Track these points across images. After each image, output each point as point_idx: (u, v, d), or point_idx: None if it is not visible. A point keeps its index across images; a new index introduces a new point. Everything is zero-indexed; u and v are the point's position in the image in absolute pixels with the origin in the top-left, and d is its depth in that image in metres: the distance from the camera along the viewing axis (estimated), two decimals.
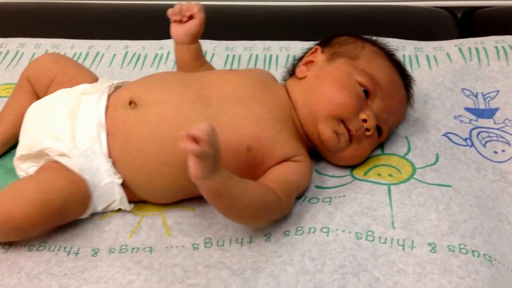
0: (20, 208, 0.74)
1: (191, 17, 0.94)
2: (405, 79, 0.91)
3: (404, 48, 1.15)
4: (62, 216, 0.78)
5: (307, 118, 0.85)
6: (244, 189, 0.74)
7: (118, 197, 0.82)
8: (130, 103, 0.83)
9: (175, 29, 0.96)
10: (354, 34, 0.93)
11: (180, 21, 0.94)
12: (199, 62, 0.99)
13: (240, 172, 0.79)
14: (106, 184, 0.81)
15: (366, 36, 0.94)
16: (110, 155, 0.81)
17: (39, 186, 0.77)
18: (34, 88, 0.94)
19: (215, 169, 0.69)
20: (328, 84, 0.85)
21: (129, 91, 0.85)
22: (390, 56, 0.91)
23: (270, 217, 0.78)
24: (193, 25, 0.94)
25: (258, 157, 0.81)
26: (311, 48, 0.94)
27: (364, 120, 0.83)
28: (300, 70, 0.90)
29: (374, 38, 0.94)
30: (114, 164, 0.81)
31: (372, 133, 0.84)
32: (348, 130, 0.83)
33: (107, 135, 0.81)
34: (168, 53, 1.18)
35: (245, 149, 0.81)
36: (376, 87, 0.84)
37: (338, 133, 0.83)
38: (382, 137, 0.87)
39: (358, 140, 0.84)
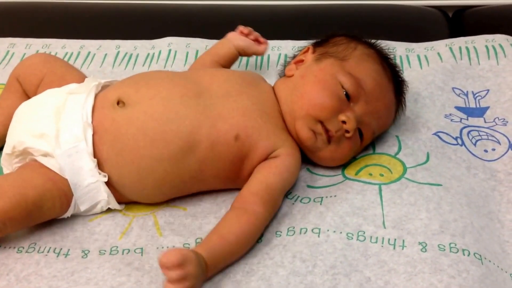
0: None
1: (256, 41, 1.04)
2: (397, 84, 0.90)
3: (395, 49, 1.14)
4: (39, 212, 0.77)
5: (287, 115, 0.86)
6: (228, 249, 0.74)
7: (104, 197, 0.81)
8: (118, 103, 0.83)
9: (236, 33, 1.04)
10: (351, 35, 0.92)
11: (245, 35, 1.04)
12: (226, 65, 1.03)
13: (228, 164, 0.81)
14: (89, 184, 0.80)
15: (365, 39, 0.92)
16: (96, 156, 0.81)
17: (15, 182, 0.78)
18: (24, 88, 0.94)
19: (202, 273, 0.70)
20: (310, 84, 0.85)
21: (116, 90, 0.85)
22: (385, 60, 0.90)
23: (259, 234, 0.78)
24: (252, 45, 1.03)
25: (245, 146, 0.82)
26: (304, 47, 0.94)
27: (344, 122, 0.83)
28: (289, 68, 0.92)
29: (373, 40, 0.93)
30: (102, 165, 0.81)
31: (351, 135, 0.83)
32: (327, 131, 0.83)
33: (94, 135, 0.81)
34: (160, 53, 1.18)
35: (233, 138, 0.81)
36: (360, 90, 0.84)
37: (316, 133, 0.84)
38: (364, 141, 0.87)
39: (337, 141, 0.84)
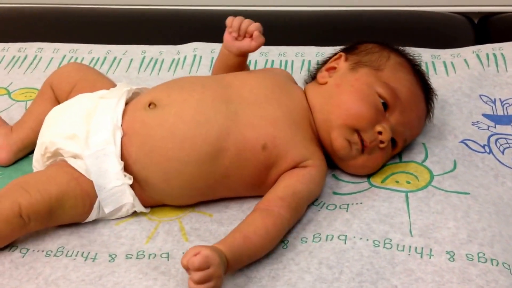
0: (23, 196, 0.77)
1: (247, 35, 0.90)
2: (427, 93, 0.90)
3: (420, 56, 1.13)
4: (61, 209, 0.79)
5: (322, 124, 0.86)
6: (251, 248, 0.74)
7: (129, 200, 0.82)
8: (149, 105, 0.84)
9: (228, 37, 0.92)
10: (381, 42, 0.92)
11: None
12: (241, 69, 0.96)
13: (255, 171, 0.81)
14: (113, 187, 0.81)
15: (393, 46, 0.92)
16: (125, 158, 0.82)
17: (41, 178, 0.80)
18: (56, 94, 0.96)
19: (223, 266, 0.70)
20: (347, 94, 0.85)
21: (148, 94, 0.87)
22: (414, 68, 0.90)
23: (281, 238, 0.78)
24: (248, 46, 0.90)
25: (273, 156, 0.82)
26: (335, 54, 0.93)
27: (380, 132, 0.83)
28: (322, 75, 0.90)
29: (401, 48, 0.92)
30: (131, 166, 0.82)
31: (385, 145, 0.83)
32: (362, 141, 0.83)
33: (123, 137, 0.82)
34: (185, 58, 1.19)
35: (260, 147, 0.81)
36: (396, 100, 0.84)
37: (351, 142, 0.83)
38: (396, 149, 0.87)
39: (370, 151, 0.84)
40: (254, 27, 0.90)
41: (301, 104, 0.87)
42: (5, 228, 0.76)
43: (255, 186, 0.84)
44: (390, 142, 0.85)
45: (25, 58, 1.21)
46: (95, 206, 0.81)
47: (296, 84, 0.94)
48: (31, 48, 1.23)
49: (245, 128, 0.82)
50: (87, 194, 0.80)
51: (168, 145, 0.81)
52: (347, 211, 0.81)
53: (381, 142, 0.83)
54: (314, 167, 0.83)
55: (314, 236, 0.78)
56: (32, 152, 0.91)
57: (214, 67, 0.99)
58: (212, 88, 0.86)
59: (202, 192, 0.84)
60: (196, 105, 0.83)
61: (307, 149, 0.84)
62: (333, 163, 0.89)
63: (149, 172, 0.81)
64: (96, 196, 0.81)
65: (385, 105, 0.84)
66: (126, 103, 0.86)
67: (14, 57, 1.21)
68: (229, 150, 0.81)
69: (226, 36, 0.92)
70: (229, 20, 0.91)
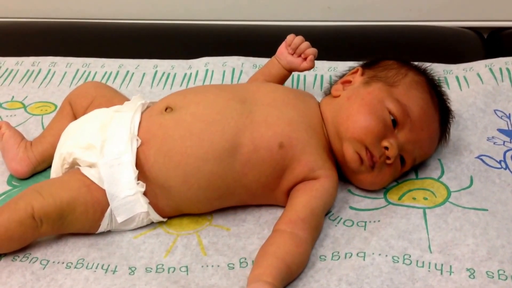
0: (37, 198, 0.79)
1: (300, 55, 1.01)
2: (443, 114, 0.90)
3: (432, 70, 1.14)
4: (72, 214, 0.80)
5: (334, 135, 0.87)
6: (291, 277, 0.75)
7: (143, 209, 0.82)
8: (166, 109, 0.86)
9: (284, 50, 1.02)
10: (402, 59, 0.92)
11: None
12: (279, 83, 1.03)
13: (270, 170, 0.82)
14: (126, 196, 0.82)
15: (414, 64, 0.92)
16: (141, 164, 0.82)
17: (54, 184, 0.83)
18: (74, 110, 0.98)
19: None
20: (356, 107, 0.85)
21: (163, 101, 0.89)
22: (434, 88, 0.90)
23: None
24: (297, 65, 1.01)
25: (288, 157, 0.83)
26: (353, 68, 0.94)
27: (386, 148, 0.83)
28: (336, 88, 0.91)
29: (424, 67, 0.93)
30: (147, 172, 0.82)
31: (392, 161, 0.83)
32: (372, 156, 0.83)
33: (141, 146, 0.83)
34: (197, 72, 1.19)
35: (277, 146, 0.82)
36: (406, 118, 0.84)
37: (361, 157, 0.84)
38: (404, 167, 0.86)
39: (379, 167, 0.84)
40: (311, 51, 1.00)
41: (316, 113, 0.89)
42: (18, 229, 0.78)
43: (269, 188, 0.84)
44: (399, 159, 0.85)
45: (39, 72, 1.21)
46: (106, 214, 0.82)
47: (315, 99, 0.95)
48: (44, 62, 1.24)
49: (261, 126, 0.83)
50: (97, 202, 0.81)
51: (187, 143, 0.82)
52: (365, 229, 0.81)
53: (388, 158, 0.83)
54: (327, 178, 0.84)
55: (333, 254, 0.78)
56: (49, 166, 0.91)
57: (256, 72, 1.07)
58: (227, 91, 0.88)
59: (220, 194, 0.84)
60: (212, 105, 0.85)
61: (320, 156, 0.85)
62: (346, 177, 0.89)
63: (168, 173, 0.82)
64: (107, 205, 0.82)
65: (395, 122, 0.84)
66: (142, 114, 0.88)
67: (28, 71, 1.22)
68: (246, 146, 0.82)
69: (282, 47, 1.02)
70: (290, 37, 1.01)
